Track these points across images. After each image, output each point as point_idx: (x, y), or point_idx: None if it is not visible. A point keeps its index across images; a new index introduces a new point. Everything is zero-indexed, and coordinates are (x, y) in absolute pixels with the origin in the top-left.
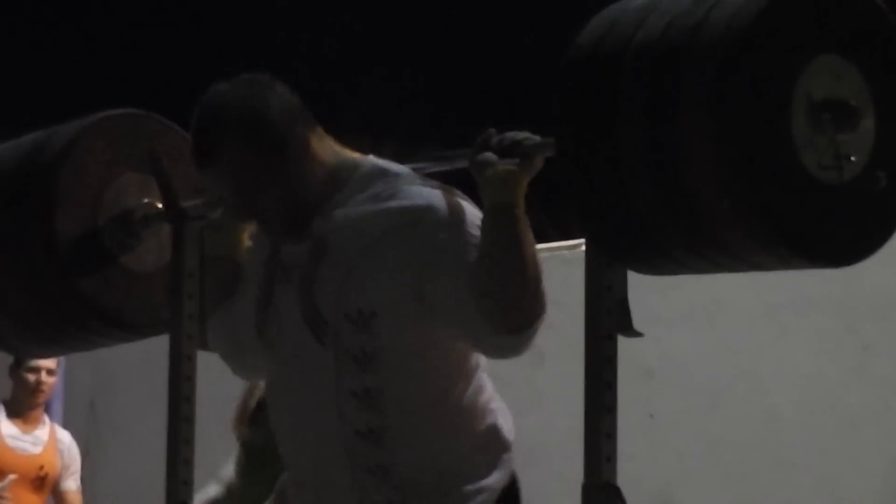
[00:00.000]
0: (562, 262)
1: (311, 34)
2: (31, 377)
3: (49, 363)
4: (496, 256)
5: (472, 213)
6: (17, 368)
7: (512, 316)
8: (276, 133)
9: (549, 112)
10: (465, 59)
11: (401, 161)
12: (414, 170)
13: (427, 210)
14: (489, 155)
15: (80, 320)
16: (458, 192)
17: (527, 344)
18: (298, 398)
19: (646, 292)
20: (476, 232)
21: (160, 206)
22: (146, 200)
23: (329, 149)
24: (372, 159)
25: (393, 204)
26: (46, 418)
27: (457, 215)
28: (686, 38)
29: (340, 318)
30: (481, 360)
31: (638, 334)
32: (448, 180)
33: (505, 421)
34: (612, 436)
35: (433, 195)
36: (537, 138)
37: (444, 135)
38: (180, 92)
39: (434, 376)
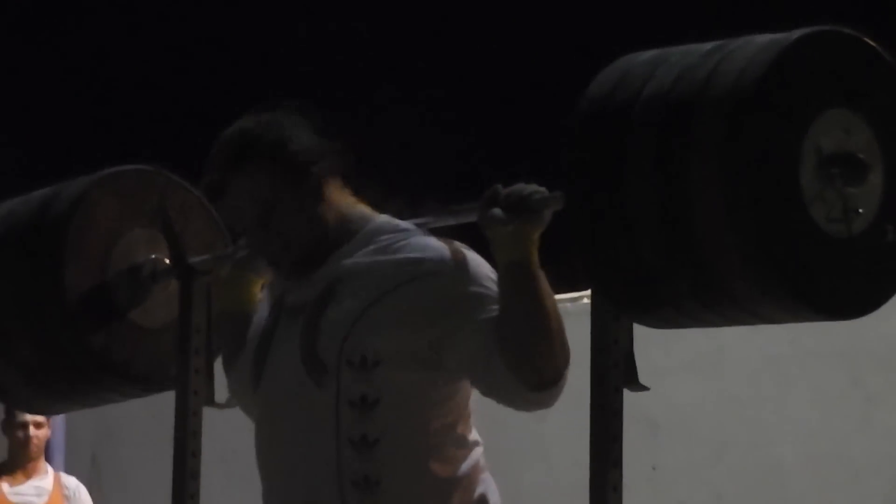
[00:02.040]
0: (565, 314)
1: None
2: (20, 433)
3: (36, 416)
4: (517, 315)
5: (486, 267)
6: (7, 425)
7: (539, 372)
8: (295, 164)
9: (559, 165)
10: (473, 111)
11: (406, 214)
12: (419, 224)
13: (442, 263)
14: (497, 211)
15: (89, 375)
16: (468, 248)
17: (555, 397)
18: (290, 442)
19: (649, 344)
20: (492, 285)
21: (168, 261)
22: (155, 256)
23: (345, 199)
24: (384, 216)
25: (407, 255)
26: (49, 468)
27: (472, 268)
28: (696, 90)
29: (342, 363)
30: (475, 433)
31: (644, 388)
32: (457, 234)
33: (493, 495)
34: (617, 489)
35: (445, 249)
36: (545, 191)
37: (449, 187)
38: (189, 148)
39: (433, 431)
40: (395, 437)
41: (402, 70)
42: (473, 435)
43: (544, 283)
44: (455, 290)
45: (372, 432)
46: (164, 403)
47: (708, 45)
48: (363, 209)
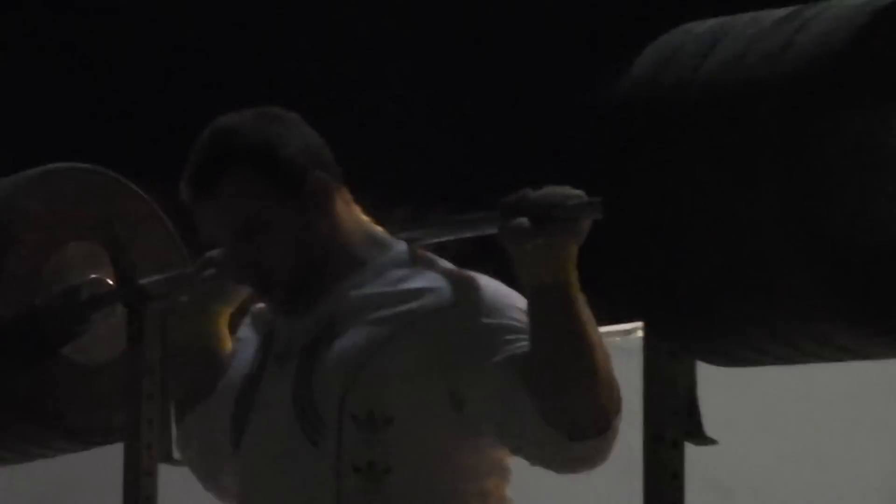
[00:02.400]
0: (612, 350)
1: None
2: None
3: None
4: (551, 348)
5: (515, 297)
6: None
7: (581, 417)
8: (292, 170)
9: (594, 164)
10: (489, 99)
11: (416, 226)
12: (429, 237)
13: (467, 293)
14: (523, 221)
15: (12, 426)
16: (494, 280)
17: (603, 452)
18: None
19: (716, 387)
20: (521, 316)
21: (112, 283)
22: (95, 276)
23: (355, 217)
24: (401, 244)
25: (418, 285)
26: None
27: (494, 297)
28: (764, 68)
29: (346, 418)
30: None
31: (711, 442)
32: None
33: None
34: None
35: (463, 276)
36: (582, 195)
37: (461, 193)
38: (141, 146)
39: (455, 496)
40: None
41: (411, 60)
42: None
43: (585, 308)
44: (475, 326)
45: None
46: (109, 461)
47: (779, 12)
48: (374, 231)
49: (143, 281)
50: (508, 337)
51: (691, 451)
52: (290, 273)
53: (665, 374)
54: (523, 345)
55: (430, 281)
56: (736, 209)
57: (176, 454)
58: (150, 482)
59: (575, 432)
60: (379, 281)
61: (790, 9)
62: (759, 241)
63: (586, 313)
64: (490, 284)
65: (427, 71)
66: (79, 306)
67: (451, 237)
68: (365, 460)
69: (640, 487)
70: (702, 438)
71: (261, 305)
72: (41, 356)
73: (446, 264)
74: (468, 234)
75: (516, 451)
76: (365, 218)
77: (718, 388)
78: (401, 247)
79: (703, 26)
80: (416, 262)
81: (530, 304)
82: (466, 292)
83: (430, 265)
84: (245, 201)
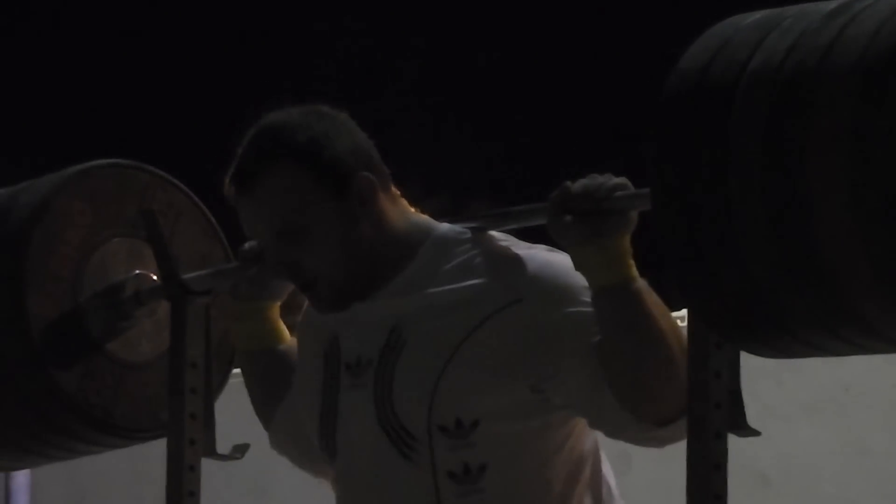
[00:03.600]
0: None
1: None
2: None
3: None
4: (627, 347)
5: (579, 276)
6: None
7: (663, 406)
8: (339, 168)
9: (644, 155)
10: (535, 89)
11: (457, 219)
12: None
13: (533, 282)
14: (569, 220)
15: (60, 424)
16: (553, 251)
17: (682, 432)
18: None
19: (760, 378)
20: (588, 295)
21: (155, 278)
22: (138, 272)
23: (401, 212)
24: (445, 225)
25: (485, 280)
26: None
27: (565, 283)
28: (815, 61)
29: (434, 430)
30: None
31: (754, 433)
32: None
33: None
34: None
35: (535, 260)
36: (628, 185)
37: (508, 183)
38: (174, 140)
39: (552, 486)
40: (512, 502)
41: (448, 53)
42: (609, 476)
43: (654, 300)
44: (549, 317)
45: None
46: (151, 456)
47: (830, 5)
48: (421, 218)
49: (186, 276)
50: (587, 326)
51: (734, 442)
52: (333, 273)
53: (710, 365)
54: (597, 330)
55: (496, 269)
56: (787, 201)
57: (219, 449)
58: (193, 477)
59: (660, 420)
60: (444, 268)
61: (839, 1)
62: (810, 234)
63: (655, 302)
64: (557, 264)
65: (473, 61)
66: (123, 303)
67: (501, 228)
68: (460, 465)
69: (683, 478)
70: (745, 430)
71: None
72: (87, 354)
73: (499, 238)
74: (515, 226)
75: (610, 434)
76: (410, 211)
77: (758, 378)
78: (445, 226)
79: (751, 18)
80: (466, 238)
81: (599, 305)
82: (537, 279)
83: (494, 245)
84: (288, 200)
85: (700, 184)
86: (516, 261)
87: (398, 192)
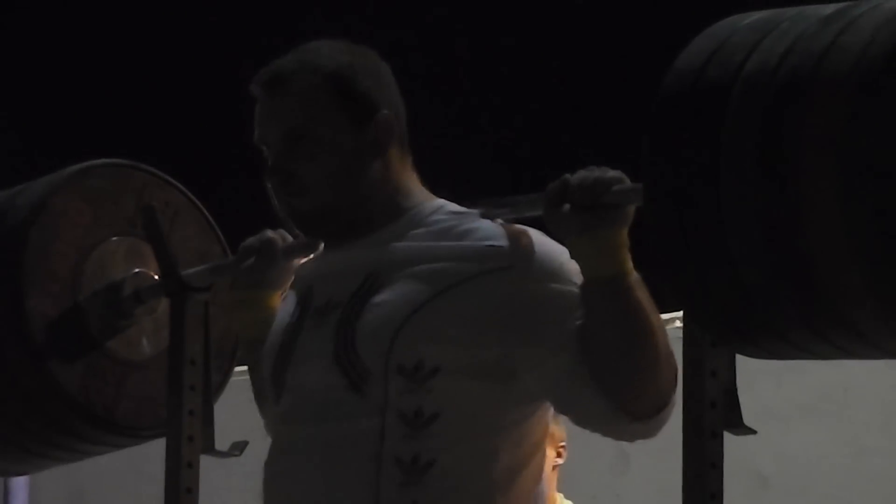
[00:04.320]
0: None
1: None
2: None
3: None
4: (615, 340)
5: (565, 254)
6: None
7: (643, 401)
8: (366, 101)
9: (639, 154)
10: (532, 87)
11: (462, 205)
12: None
13: (518, 254)
14: (567, 211)
15: (62, 423)
16: (544, 235)
17: (662, 425)
18: (316, 464)
19: (757, 378)
20: (577, 279)
21: (155, 276)
22: (137, 270)
23: (407, 174)
24: (441, 200)
25: (475, 243)
26: None
27: (554, 262)
28: (810, 66)
29: (392, 368)
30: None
31: (750, 432)
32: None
33: None
34: None
35: (520, 236)
36: (624, 178)
37: (504, 178)
38: (169, 141)
39: (501, 467)
40: (454, 461)
41: (450, 39)
42: (542, 487)
43: (643, 293)
44: (534, 290)
45: (426, 453)
46: (150, 455)
47: (828, 9)
48: (423, 189)
49: (185, 272)
50: (571, 309)
51: (730, 441)
52: (322, 191)
53: (705, 364)
54: (580, 314)
55: (488, 236)
56: (779, 206)
57: (217, 445)
58: (191, 474)
59: (637, 415)
60: (421, 230)
61: (838, 5)
62: (801, 239)
63: (645, 299)
64: (548, 244)
65: (478, 52)
66: (122, 301)
67: (497, 217)
68: (412, 408)
69: (679, 477)
70: (741, 428)
71: (303, 265)
72: (88, 352)
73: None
74: (512, 216)
75: (577, 423)
76: (413, 174)
77: (758, 378)
78: (440, 200)
79: (749, 20)
80: (463, 212)
81: (590, 294)
82: (527, 252)
83: (487, 221)
84: (308, 107)
85: (693, 185)
86: (513, 232)
87: (410, 161)
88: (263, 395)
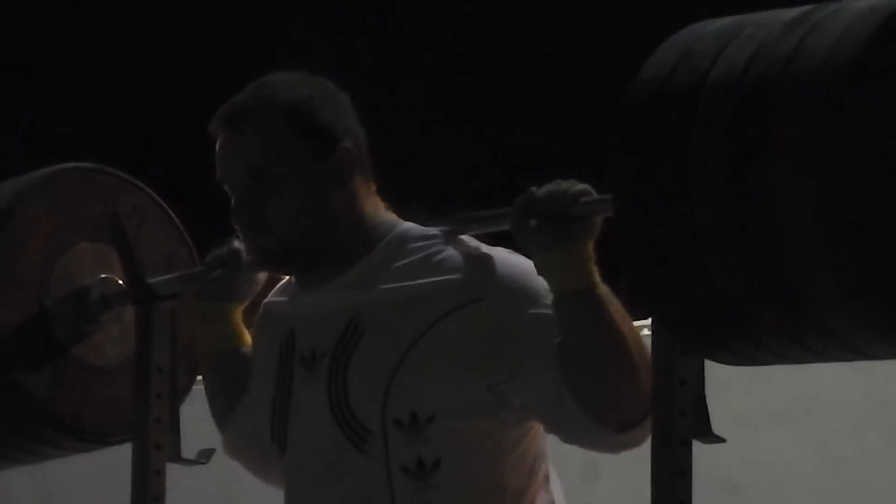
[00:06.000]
0: None
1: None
2: None
3: None
4: (590, 353)
5: (541, 281)
6: None
7: (623, 413)
8: (326, 133)
9: (606, 163)
10: (502, 99)
11: (426, 222)
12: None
13: (496, 282)
14: (534, 225)
15: (29, 429)
16: (515, 254)
17: (646, 434)
18: None
19: (727, 386)
20: (549, 297)
21: (121, 282)
22: (103, 276)
23: (372, 204)
24: (409, 223)
25: (447, 277)
26: None
27: (527, 285)
28: (776, 72)
29: (389, 423)
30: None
31: (719, 440)
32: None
33: None
34: None
35: (491, 261)
36: (591, 191)
37: (474, 194)
38: (143, 141)
39: (507, 484)
40: (465, 501)
41: (427, 55)
42: (555, 483)
43: (616, 306)
44: (509, 318)
45: (436, 500)
46: (117, 460)
47: (791, 12)
48: (389, 215)
49: (152, 280)
50: (548, 329)
51: (700, 449)
52: (288, 230)
53: (674, 373)
54: (557, 333)
55: (458, 267)
56: (749, 212)
57: (184, 453)
58: (158, 482)
59: (621, 426)
60: (402, 263)
61: (801, 8)
62: (772, 245)
63: (616, 309)
64: (519, 265)
65: (445, 67)
66: (89, 307)
67: (465, 232)
68: (414, 460)
69: (646, 485)
70: (710, 436)
71: (273, 298)
72: (54, 359)
73: (472, 245)
74: (480, 231)
75: (564, 440)
76: (382, 206)
77: (728, 386)
78: (409, 224)
79: (712, 27)
80: (429, 235)
81: (561, 309)
82: (499, 278)
83: (456, 245)
84: (270, 143)
85: (662, 193)
86: (479, 260)
87: (374, 188)
88: (226, 416)
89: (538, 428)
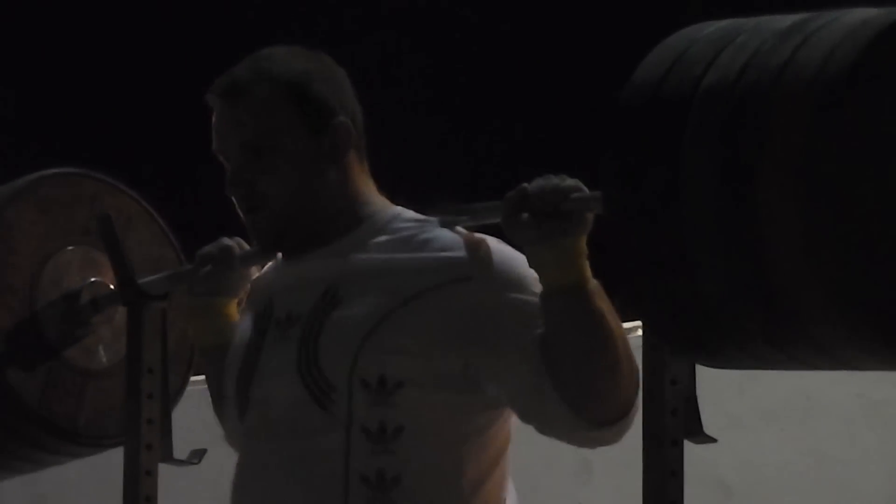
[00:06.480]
0: None
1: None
2: None
3: None
4: (577, 348)
5: (525, 262)
6: None
7: (606, 407)
8: (322, 107)
9: (600, 165)
10: (494, 97)
11: (421, 212)
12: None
13: (478, 264)
14: (525, 219)
15: (24, 435)
16: (503, 243)
17: (625, 430)
18: (283, 481)
19: (719, 386)
20: (537, 287)
21: (112, 285)
22: (94, 279)
23: (365, 181)
24: (400, 207)
25: (434, 253)
26: None
27: (514, 271)
28: (768, 82)
29: (355, 383)
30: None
31: (710, 440)
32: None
33: None
34: None
35: (480, 245)
36: (582, 188)
37: (460, 184)
38: (127, 144)
39: (467, 478)
40: (420, 475)
41: (408, 50)
42: (511, 493)
43: (604, 302)
44: (495, 301)
45: (391, 468)
46: (111, 463)
47: (786, 21)
48: (381, 197)
49: (142, 281)
50: (532, 317)
51: (691, 449)
52: (282, 205)
53: (665, 372)
54: (541, 323)
55: (447, 246)
56: (738, 221)
57: (176, 454)
58: (150, 482)
59: (600, 421)
60: (383, 238)
61: (796, 17)
62: (760, 253)
63: (605, 306)
64: (507, 252)
65: (438, 69)
66: (79, 310)
67: (457, 223)
68: (375, 423)
69: (639, 485)
70: (701, 437)
71: (260, 275)
72: (46, 364)
73: (461, 231)
74: (471, 224)
75: (540, 430)
76: (371, 181)
77: (720, 386)
78: (399, 208)
79: (706, 31)
80: (422, 220)
81: (549, 303)
82: (486, 262)
83: (446, 230)
84: (265, 117)
85: (652, 199)
86: (471, 243)
87: (367, 168)
88: (224, 406)
89: (505, 424)
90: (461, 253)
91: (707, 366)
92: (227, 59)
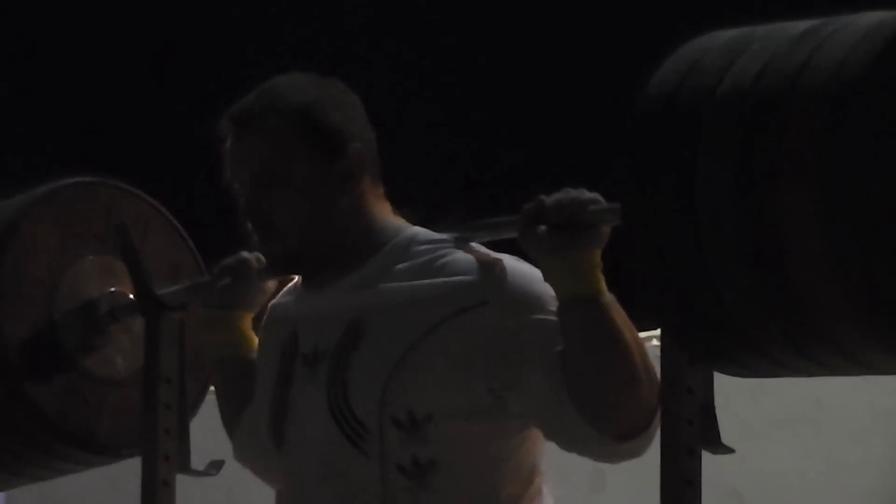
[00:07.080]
0: None
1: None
2: None
3: None
4: (593, 362)
5: (542, 280)
6: None
7: (626, 422)
8: (334, 135)
9: (616, 174)
10: (509, 106)
11: (433, 228)
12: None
13: (501, 286)
14: (543, 231)
15: (43, 445)
16: (521, 261)
17: (649, 443)
18: None
19: (734, 395)
20: (554, 305)
21: (130, 295)
22: (112, 289)
23: (380, 208)
24: (417, 227)
25: (451, 279)
26: None
27: (532, 291)
28: (783, 87)
29: (386, 422)
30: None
31: (728, 450)
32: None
33: None
34: None
35: (496, 267)
36: (600, 199)
37: (482, 198)
38: (143, 151)
39: (501, 493)
40: (459, 503)
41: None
42: (548, 500)
43: (620, 314)
44: (513, 324)
45: (429, 501)
46: (125, 473)
47: (799, 27)
48: (397, 219)
49: (160, 291)
50: (552, 336)
51: (708, 459)
52: (295, 233)
53: (682, 381)
54: (561, 340)
55: (463, 270)
56: (756, 227)
57: (194, 464)
58: (167, 492)
59: (620, 435)
60: (402, 266)
61: (810, 22)
62: (780, 259)
63: (621, 318)
64: (525, 272)
65: (449, 74)
66: (97, 320)
67: (473, 240)
68: (409, 459)
69: (656, 494)
70: (718, 447)
71: (279, 300)
72: (65, 374)
73: (478, 251)
74: (487, 238)
75: (565, 448)
76: (390, 210)
77: (734, 395)
78: (416, 228)
79: (722, 38)
80: (435, 240)
81: (565, 316)
82: (504, 284)
83: (462, 251)
84: (276, 148)
85: (669, 209)
86: (486, 264)
87: (383, 191)
88: (244, 433)
89: (536, 439)
90: (475, 276)
91: (727, 374)
92: (237, 59)
